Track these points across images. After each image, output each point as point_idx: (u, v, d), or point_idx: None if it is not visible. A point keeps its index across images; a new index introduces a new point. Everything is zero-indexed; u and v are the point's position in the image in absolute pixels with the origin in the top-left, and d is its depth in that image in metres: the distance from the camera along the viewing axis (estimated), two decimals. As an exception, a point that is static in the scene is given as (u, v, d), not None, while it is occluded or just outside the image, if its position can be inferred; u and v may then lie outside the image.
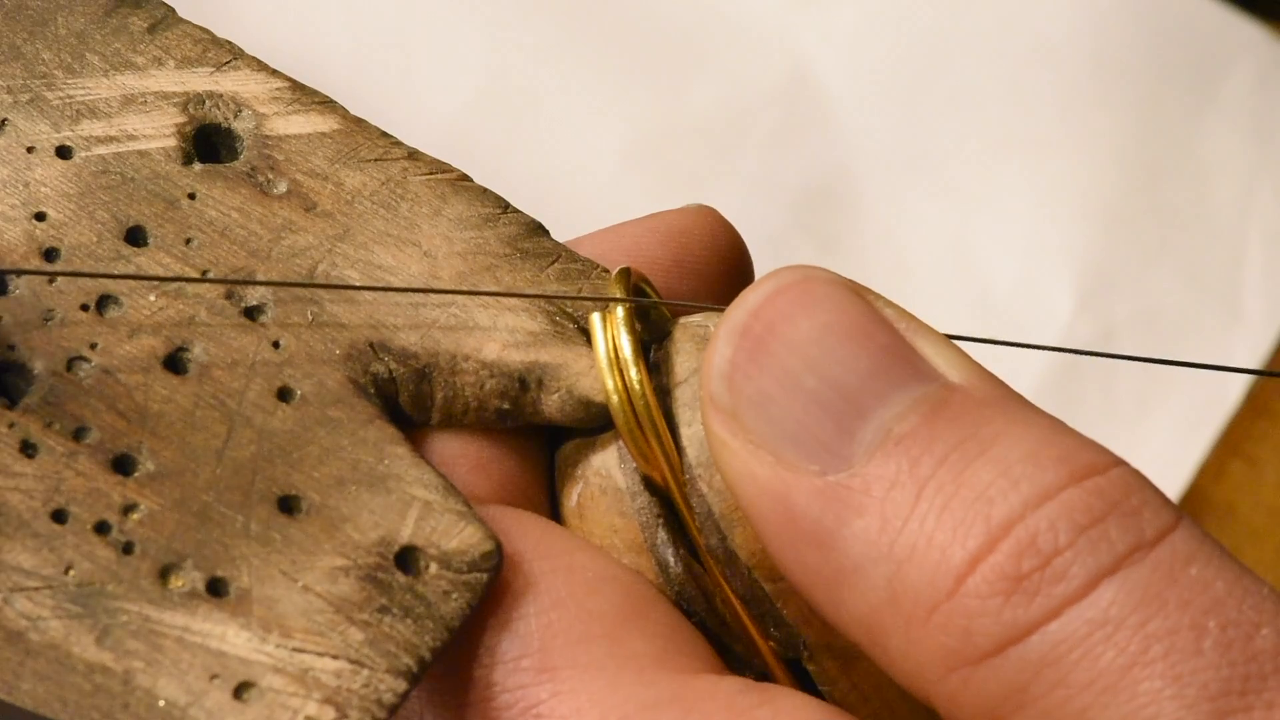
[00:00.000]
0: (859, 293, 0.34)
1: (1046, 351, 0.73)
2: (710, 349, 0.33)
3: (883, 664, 0.32)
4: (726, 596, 0.35)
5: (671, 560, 0.36)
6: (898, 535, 0.31)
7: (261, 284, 0.36)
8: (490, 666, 0.34)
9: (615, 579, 0.35)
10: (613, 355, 0.35)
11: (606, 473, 0.36)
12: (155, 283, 0.36)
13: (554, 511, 0.37)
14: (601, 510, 0.36)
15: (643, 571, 0.36)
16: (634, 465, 0.35)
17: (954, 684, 0.31)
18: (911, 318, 0.34)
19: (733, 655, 0.36)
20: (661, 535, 0.35)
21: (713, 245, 0.40)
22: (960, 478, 0.31)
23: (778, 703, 0.33)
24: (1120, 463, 0.32)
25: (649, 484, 0.35)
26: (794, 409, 0.33)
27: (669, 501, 0.35)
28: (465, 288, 0.37)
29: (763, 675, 0.36)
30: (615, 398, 0.35)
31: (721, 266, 0.40)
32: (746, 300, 0.34)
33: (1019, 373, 0.70)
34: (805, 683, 0.36)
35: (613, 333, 0.35)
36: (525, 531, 0.35)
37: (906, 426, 0.32)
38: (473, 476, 0.36)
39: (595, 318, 0.36)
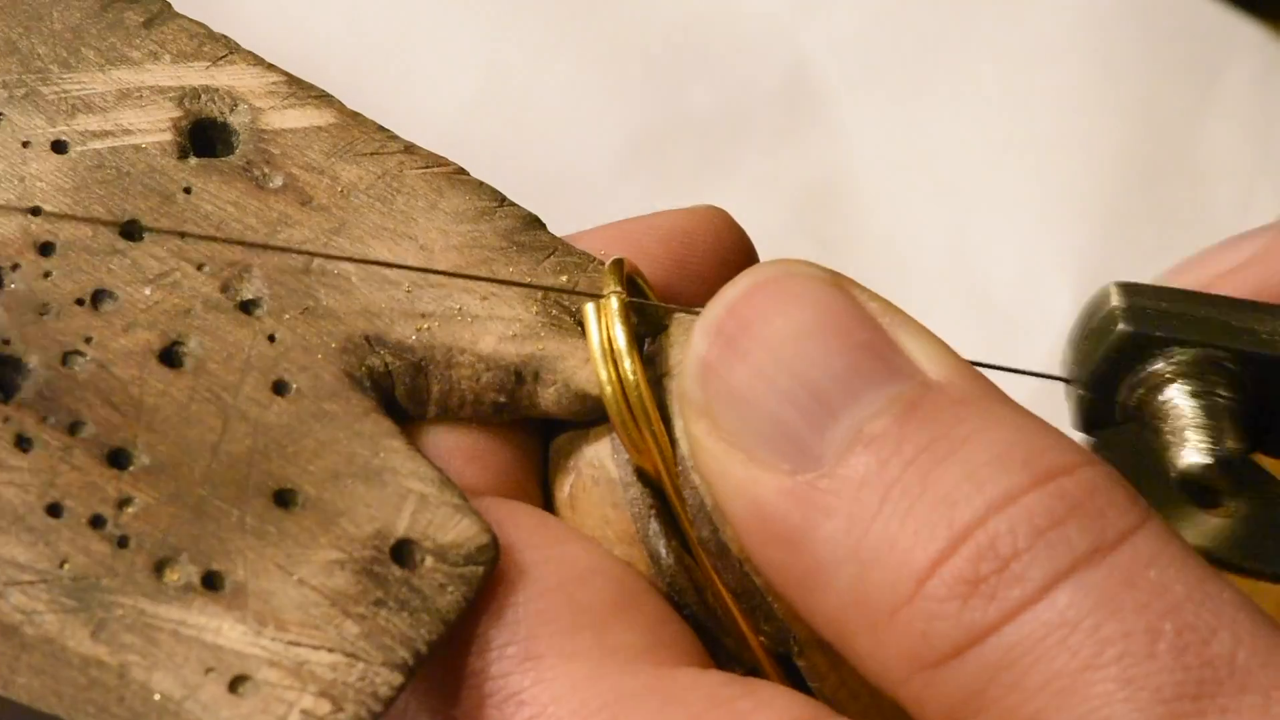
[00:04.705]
0: (840, 286, 0.33)
1: (1043, 354, 0.72)
2: (688, 346, 0.33)
3: (854, 663, 0.32)
4: (717, 590, 0.35)
5: (663, 552, 0.35)
6: (863, 537, 0.31)
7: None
8: (476, 654, 0.34)
9: (606, 570, 0.35)
10: (607, 347, 0.35)
11: (599, 464, 0.36)
12: (150, 278, 0.36)
13: (547, 502, 0.37)
14: (594, 501, 0.36)
15: (634, 563, 0.36)
16: (627, 456, 0.35)
17: (917, 686, 0.31)
18: (896, 311, 0.33)
19: (723, 650, 0.36)
20: (653, 527, 0.35)
21: (716, 248, 0.40)
22: (926, 480, 0.31)
23: (759, 695, 0.33)
24: (1091, 462, 0.31)
25: (642, 475, 0.35)
26: (767, 408, 0.32)
27: (661, 493, 0.35)
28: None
29: (753, 670, 0.36)
30: (609, 388, 0.35)
31: (725, 270, 0.40)
32: (724, 296, 0.33)
33: (1015, 377, 0.69)
34: (795, 679, 0.36)
35: (607, 324, 0.35)
36: (518, 522, 0.35)
37: (879, 426, 0.32)
38: (468, 469, 0.36)
39: (589, 309, 0.35)
